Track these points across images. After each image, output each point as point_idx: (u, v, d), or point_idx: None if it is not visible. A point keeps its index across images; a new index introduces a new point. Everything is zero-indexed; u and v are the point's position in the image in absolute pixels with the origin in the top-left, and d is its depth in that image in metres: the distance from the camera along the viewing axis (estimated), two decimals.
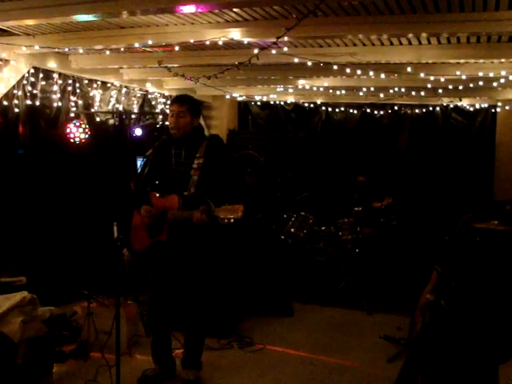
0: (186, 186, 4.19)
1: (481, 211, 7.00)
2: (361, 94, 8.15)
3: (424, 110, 8.99)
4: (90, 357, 4.88)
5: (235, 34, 4.67)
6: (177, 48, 5.20)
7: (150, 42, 4.98)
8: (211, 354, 5.05)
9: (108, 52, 5.75)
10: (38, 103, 6.21)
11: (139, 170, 4.40)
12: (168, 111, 4.39)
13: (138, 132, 6.85)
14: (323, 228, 7.43)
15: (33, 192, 6.20)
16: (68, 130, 6.35)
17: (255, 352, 5.27)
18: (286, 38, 4.47)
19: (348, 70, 5.91)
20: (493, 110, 8.62)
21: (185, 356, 4.56)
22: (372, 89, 7.57)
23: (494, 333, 3.85)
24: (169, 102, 7.89)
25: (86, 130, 6.44)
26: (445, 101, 8.37)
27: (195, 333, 4.52)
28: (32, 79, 6.08)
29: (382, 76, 6.14)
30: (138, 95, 8.03)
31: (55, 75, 6.41)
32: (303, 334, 5.84)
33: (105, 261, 5.76)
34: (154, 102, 8.41)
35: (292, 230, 7.33)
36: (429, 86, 6.76)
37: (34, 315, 4.44)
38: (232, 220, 3.90)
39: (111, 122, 7.21)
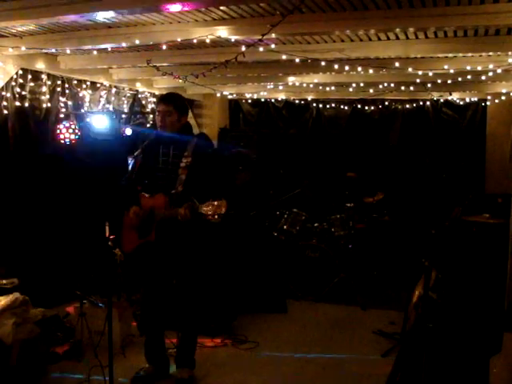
0: (174, 184, 4.17)
1: (472, 204, 7.06)
2: (350, 89, 8.16)
3: (414, 105, 9.04)
4: (83, 357, 4.87)
5: (222, 31, 4.67)
6: (164, 47, 5.19)
7: (137, 42, 4.97)
8: (205, 353, 5.05)
9: (95, 52, 5.74)
10: (27, 104, 6.19)
11: (129, 170, 4.40)
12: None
13: (129, 132, 6.85)
14: (316, 224, 7.44)
15: (25, 193, 6.18)
16: (58, 131, 6.35)
17: (249, 349, 5.27)
18: (273, 35, 4.48)
19: (336, 66, 5.92)
20: (483, 104, 8.67)
21: (178, 355, 4.56)
22: (362, 84, 7.59)
23: (485, 324, 3.88)
24: None
25: (76, 131, 6.44)
26: (435, 95, 8.41)
27: (188, 331, 4.51)
28: (20, 80, 6.07)
29: (371, 71, 6.16)
30: (128, 95, 8.02)
31: (44, 76, 6.39)
32: (297, 331, 5.84)
33: (97, 261, 5.74)
34: (144, 102, 8.41)
35: (285, 226, 7.33)
36: (417, 80, 6.79)
37: (26, 317, 4.46)
38: (216, 216, 3.87)
39: None
